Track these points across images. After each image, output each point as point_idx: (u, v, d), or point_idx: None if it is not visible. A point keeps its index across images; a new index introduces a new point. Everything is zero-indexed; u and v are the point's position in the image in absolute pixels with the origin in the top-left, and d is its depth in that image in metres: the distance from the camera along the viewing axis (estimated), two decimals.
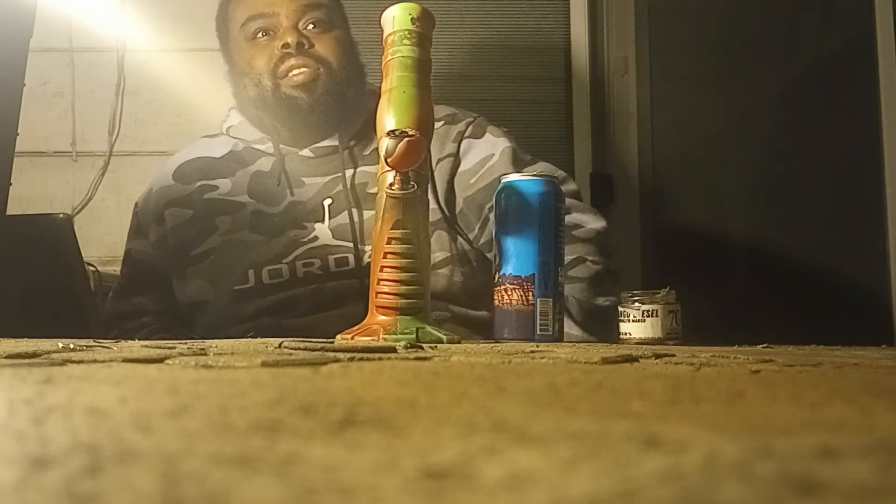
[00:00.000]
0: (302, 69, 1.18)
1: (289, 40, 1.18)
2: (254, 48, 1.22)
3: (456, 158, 1.21)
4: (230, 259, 1.17)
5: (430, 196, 1.16)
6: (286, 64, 1.19)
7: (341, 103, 1.21)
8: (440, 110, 1.25)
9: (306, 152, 1.23)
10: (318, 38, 1.21)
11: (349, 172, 1.19)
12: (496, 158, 1.20)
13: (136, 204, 1.29)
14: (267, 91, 1.20)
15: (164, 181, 1.26)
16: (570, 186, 1.19)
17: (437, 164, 1.20)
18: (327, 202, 1.18)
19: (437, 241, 1.15)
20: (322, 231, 1.17)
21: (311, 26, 1.21)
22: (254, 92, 1.22)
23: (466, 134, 1.23)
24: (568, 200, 1.13)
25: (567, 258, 1.06)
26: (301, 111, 1.20)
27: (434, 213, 1.15)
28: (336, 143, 1.22)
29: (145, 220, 1.26)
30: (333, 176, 1.20)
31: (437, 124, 1.22)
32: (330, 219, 1.17)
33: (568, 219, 1.13)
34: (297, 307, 1.13)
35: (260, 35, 1.21)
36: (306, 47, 1.19)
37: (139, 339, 1.04)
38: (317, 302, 1.12)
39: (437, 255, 1.14)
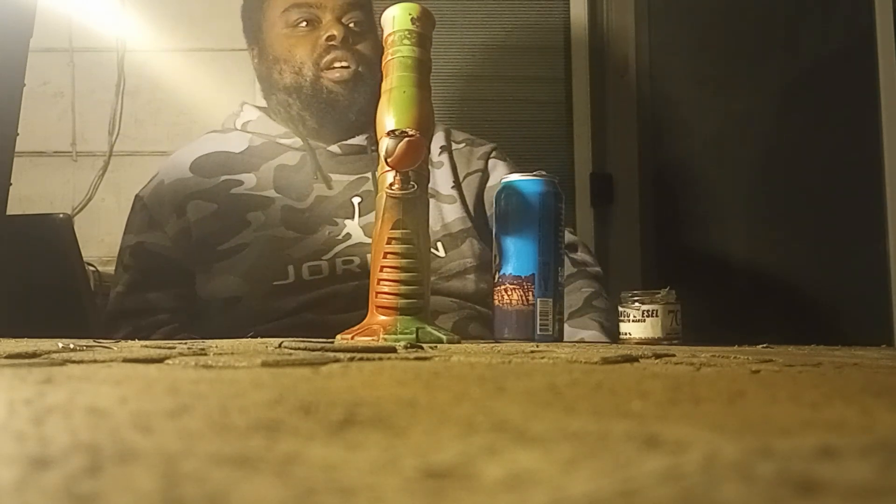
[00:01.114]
0: (344, 63, 1.21)
1: (335, 32, 1.21)
2: (294, 36, 1.23)
3: (484, 173, 1.27)
4: (266, 254, 1.16)
5: (460, 206, 1.22)
6: (330, 55, 1.21)
7: (373, 103, 1.22)
8: (458, 135, 1.32)
9: (334, 148, 1.24)
10: (360, 37, 1.24)
11: (377, 173, 1.21)
12: None
13: (140, 197, 1.25)
14: (306, 80, 1.22)
15: (179, 173, 1.23)
16: (570, 238, 1.24)
17: (464, 178, 1.26)
18: (357, 200, 1.19)
19: (469, 247, 1.19)
20: (354, 228, 1.18)
21: (352, 24, 1.24)
22: (290, 79, 1.23)
23: (493, 155, 1.30)
24: (572, 237, 1.24)
25: (588, 290, 1.18)
26: (338, 106, 1.22)
27: (464, 222, 1.21)
28: (364, 143, 1.24)
29: (161, 213, 1.21)
30: (360, 175, 1.21)
31: (458, 146, 1.29)
32: (360, 216, 1.18)
33: (577, 257, 1.23)
34: (338, 302, 1.13)
35: (302, 24, 1.23)
36: (351, 42, 1.22)
37: (157, 338, 1.02)
38: (359, 297, 1.12)
39: (468, 262, 1.18)
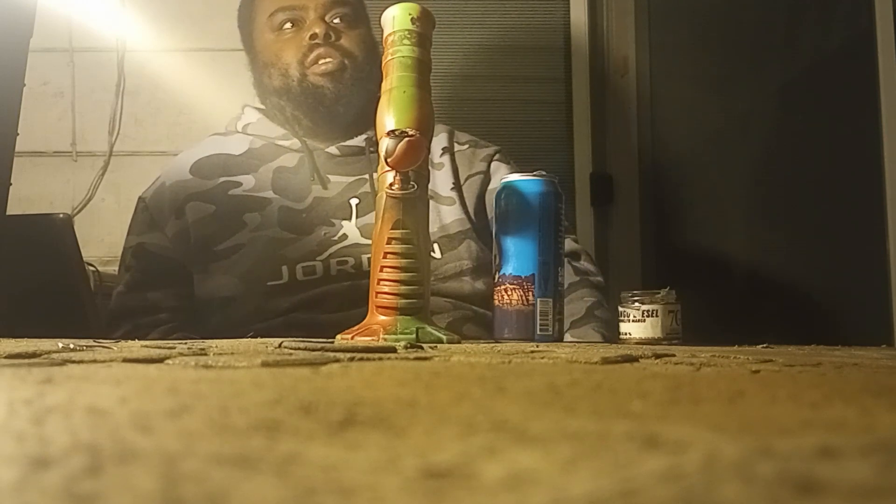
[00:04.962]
0: (328, 59, 1.22)
1: (317, 31, 1.22)
2: (280, 39, 1.25)
3: (486, 175, 1.28)
4: (261, 255, 1.17)
5: (459, 208, 1.22)
6: (314, 53, 1.23)
7: (365, 97, 1.22)
8: (462, 136, 1.33)
9: (332, 150, 1.25)
10: (345, 33, 1.25)
11: (375, 175, 1.21)
12: None
13: (143, 199, 1.26)
14: (293, 81, 1.23)
15: (179, 175, 1.25)
16: (574, 246, 1.26)
17: (465, 180, 1.26)
18: (354, 201, 1.20)
19: (466, 249, 1.19)
20: (350, 229, 1.18)
21: (337, 20, 1.25)
22: (279, 82, 1.25)
23: (496, 157, 1.30)
24: (575, 246, 1.25)
25: (590, 300, 1.19)
26: (326, 100, 1.23)
27: (462, 224, 1.21)
28: (363, 144, 1.25)
29: (161, 214, 1.23)
30: (359, 177, 1.22)
31: (461, 147, 1.30)
32: (357, 217, 1.19)
33: (580, 266, 1.24)
34: (331, 302, 1.14)
35: (287, 26, 1.25)
36: (333, 39, 1.23)
37: (154, 337, 1.03)
38: (352, 298, 1.13)
39: (465, 263, 1.19)
